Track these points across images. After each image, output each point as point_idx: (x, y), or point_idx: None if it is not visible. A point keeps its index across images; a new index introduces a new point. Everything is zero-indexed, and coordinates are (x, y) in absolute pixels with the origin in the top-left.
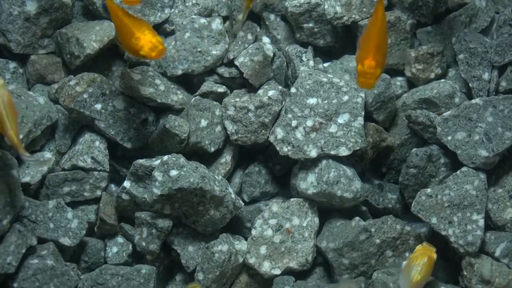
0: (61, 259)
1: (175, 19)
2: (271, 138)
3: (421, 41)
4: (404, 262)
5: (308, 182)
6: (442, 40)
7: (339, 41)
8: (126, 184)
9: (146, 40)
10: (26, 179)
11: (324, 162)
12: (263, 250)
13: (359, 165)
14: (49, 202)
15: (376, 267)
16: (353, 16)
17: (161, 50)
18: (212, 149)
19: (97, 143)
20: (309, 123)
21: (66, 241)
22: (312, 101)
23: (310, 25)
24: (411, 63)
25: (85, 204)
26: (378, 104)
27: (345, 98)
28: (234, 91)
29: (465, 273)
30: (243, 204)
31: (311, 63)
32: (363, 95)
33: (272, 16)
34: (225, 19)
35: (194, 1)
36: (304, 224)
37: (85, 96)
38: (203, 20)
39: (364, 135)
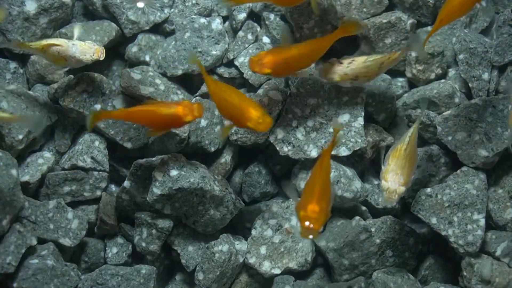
0: (61, 259)
1: (175, 19)
2: (271, 138)
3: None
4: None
5: None
6: (442, 40)
7: (339, 41)
8: (126, 184)
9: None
10: (25, 178)
11: None
12: (263, 250)
13: (359, 165)
14: (49, 202)
15: (376, 267)
16: (353, 16)
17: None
18: (212, 149)
19: (96, 143)
20: (310, 123)
21: (66, 241)
22: (312, 101)
23: (310, 25)
24: (411, 63)
25: (85, 204)
26: (378, 104)
27: (345, 98)
28: None
29: (465, 273)
30: (243, 204)
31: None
32: (363, 95)
33: (272, 16)
34: (225, 19)
35: (194, 1)
36: None
37: (84, 96)
38: (203, 20)
39: (364, 135)
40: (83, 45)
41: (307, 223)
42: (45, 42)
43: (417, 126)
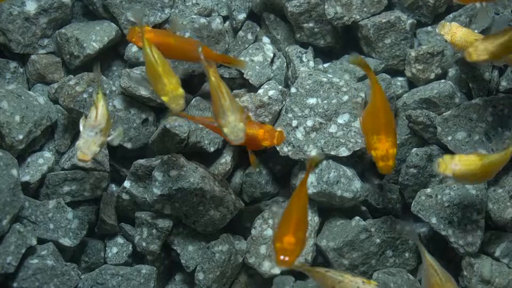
0: (61, 259)
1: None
2: None
3: (421, 41)
4: None
5: (308, 182)
6: (442, 40)
7: (340, 41)
8: (126, 184)
9: (384, 147)
10: (26, 178)
11: (324, 162)
12: (262, 250)
13: (359, 165)
14: (49, 202)
15: (376, 267)
16: (354, 16)
17: (390, 166)
18: (212, 149)
19: None
20: (309, 123)
21: (66, 241)
22: (312, 101)
23: (310, 25)
24: (411, 63)
25: (85, 204)
26: None
27: (345, 98)
28: (234, 91)
29: (465, 273)
30: (243, 204)
31: (311, 63)
32: (363, 95)
33: (272, 16)
34: (225, 19)
35: (194, 1)
36: None
37: (85, 96)
38: (203, 20)
39: None
40: (93, 143)
41: (282, 256)
42: (95, 97)
43: None
